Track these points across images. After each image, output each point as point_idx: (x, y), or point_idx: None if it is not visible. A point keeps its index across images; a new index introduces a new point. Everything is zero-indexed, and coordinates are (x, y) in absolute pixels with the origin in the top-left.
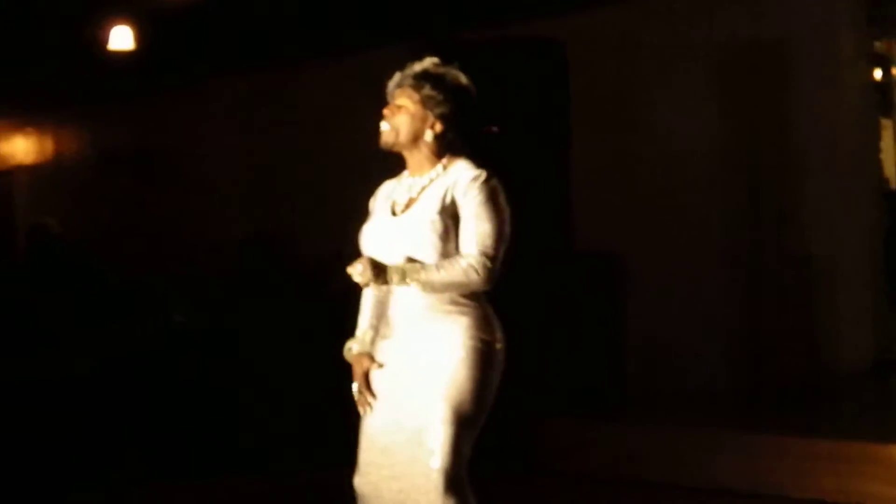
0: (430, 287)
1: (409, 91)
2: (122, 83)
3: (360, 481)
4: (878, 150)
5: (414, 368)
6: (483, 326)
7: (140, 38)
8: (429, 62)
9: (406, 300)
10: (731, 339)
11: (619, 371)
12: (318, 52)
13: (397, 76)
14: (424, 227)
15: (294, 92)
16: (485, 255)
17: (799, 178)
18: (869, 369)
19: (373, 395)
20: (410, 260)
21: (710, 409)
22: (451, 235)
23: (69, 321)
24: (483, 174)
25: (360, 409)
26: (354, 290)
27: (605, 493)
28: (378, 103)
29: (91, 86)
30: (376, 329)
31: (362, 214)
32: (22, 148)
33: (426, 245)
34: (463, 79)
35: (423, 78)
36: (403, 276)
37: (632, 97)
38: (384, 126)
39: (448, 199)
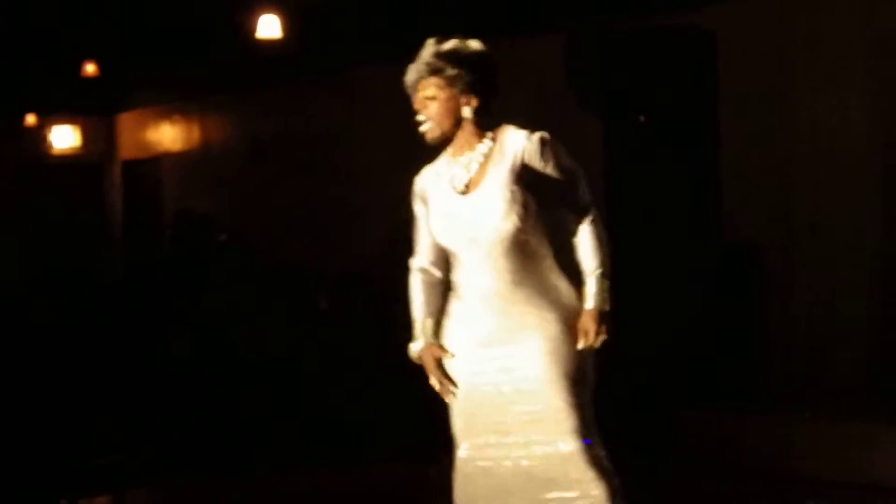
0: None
1: (431, 79)
2: (270, 71)
3: (469, 454)
4: None
5: (515, 344)
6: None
7: (287, 26)
8: (431, 45)
9: (498, 281)
10: (879, 335)
11: (766, 364)
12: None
13: (412, 70)
14: (505, 200)
15: None
16: (593, 206)
17: None
18: None
19: (453, 382)
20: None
21: (859, 405)
22: (531, 203)
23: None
24: (545, 134)
25: (446, 398)
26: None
27: (751, 487)
28: (527, 93)
29: (239, 74)
30: (434, 316)
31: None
32: (169, 135)
33: (511, 217)
34: (475, 44)
35: (438, 60)
36: (609, 295)
37: (783, 88)
38: (425, 123)
39: (519, 167)
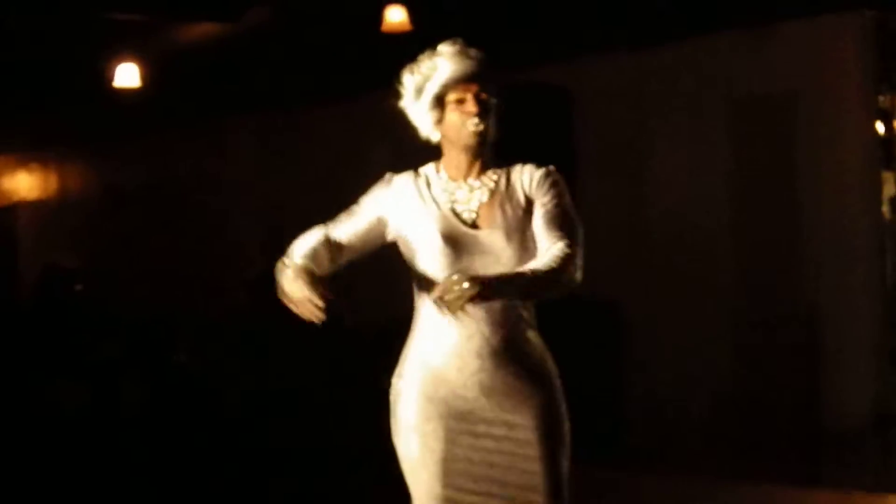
0: (535, 289)
1: (489, 88)
2: (128, 120)
3: None
4: (880, 204)
5: (501, 406)
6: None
7: (146, 75)
8: (478, 52)
9: (480, 332)
10: (732, 391)
11: (620, 419)
12: (325, 94)
13: (465, 61)
14: (520, 245)
15: (299, 132)
16: (573, 244)
17: (803, 233)
18: (869, 423)
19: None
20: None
21: (711, 460)
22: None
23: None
24: (552, 168)
25: (310, 315)
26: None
27: None
28: (384, 144)
29: (96, 122)
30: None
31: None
32: (25, 184)
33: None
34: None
35: (492, 71)
36: (508, 289)
37: (638, 147)
38: (479, 122)
39: (527, 204)
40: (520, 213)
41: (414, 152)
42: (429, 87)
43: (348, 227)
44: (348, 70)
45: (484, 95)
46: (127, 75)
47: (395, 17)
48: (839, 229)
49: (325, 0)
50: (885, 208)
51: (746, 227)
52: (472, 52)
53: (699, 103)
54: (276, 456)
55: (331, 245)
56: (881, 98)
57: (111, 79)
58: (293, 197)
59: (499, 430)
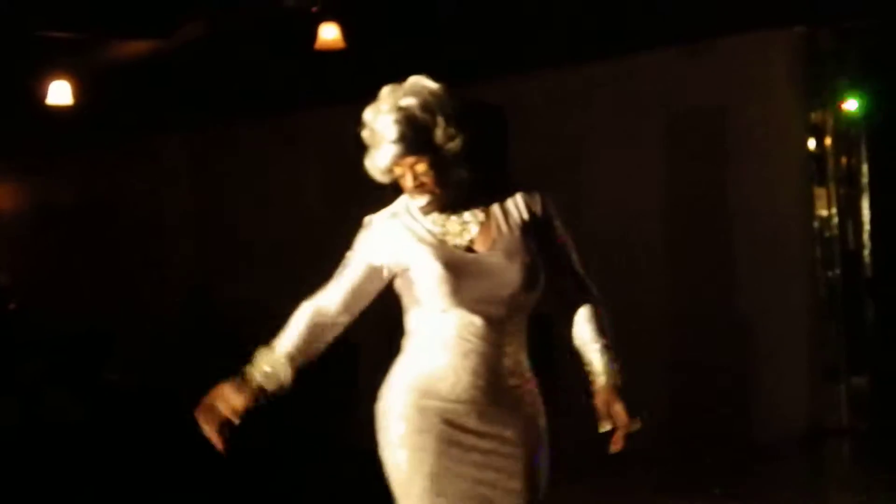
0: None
1: (427, 155)
2: (61, 138)
3: None
4: (812, 219)
5: (492, 420)
6: None
7: (78, 93)
8: (408, 93)
9: (477, 351)
10: (664, 405)
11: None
12: (259, 110)
13: (400, 143)
14: (530, 266)
15: (232, 147)
16: (587, 279)
17: (736, 247)
18: (802, 437)
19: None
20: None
21: (644, 475)
22: (542, 271)
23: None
24: (538, 193)
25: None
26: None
27: None
28: (316, 159)
29: (29, 140)
30: (297, 362)
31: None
32: None
33: (534, 284)
34: (434, 85)
35: (425, 146)
36: (619, 370)
37: (574, 161)
38: (419, 197)
39: (530, 230)
40: (517, 233)
41: (346, 168)
42: (376, 159)
43: (342, 285)
44: (281, 87)
45: (422, 167)
46: (60, 93)
47: (329, 34)
48: (772, 244)
49: (258, 17)
50: (817, 223)
51: (680, 240)
52: (408, 107)
53: (634, 118)
54: (211, 469)
55: (322, 316)
56: (812, 114)
57: (44, 96)
58: (226, 212)
59: (487, 444)
